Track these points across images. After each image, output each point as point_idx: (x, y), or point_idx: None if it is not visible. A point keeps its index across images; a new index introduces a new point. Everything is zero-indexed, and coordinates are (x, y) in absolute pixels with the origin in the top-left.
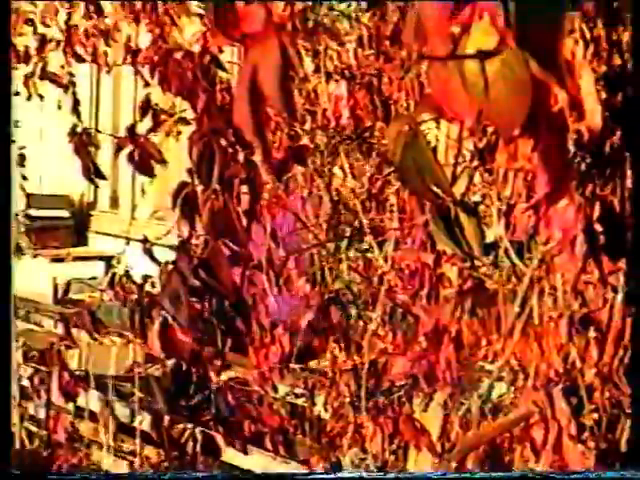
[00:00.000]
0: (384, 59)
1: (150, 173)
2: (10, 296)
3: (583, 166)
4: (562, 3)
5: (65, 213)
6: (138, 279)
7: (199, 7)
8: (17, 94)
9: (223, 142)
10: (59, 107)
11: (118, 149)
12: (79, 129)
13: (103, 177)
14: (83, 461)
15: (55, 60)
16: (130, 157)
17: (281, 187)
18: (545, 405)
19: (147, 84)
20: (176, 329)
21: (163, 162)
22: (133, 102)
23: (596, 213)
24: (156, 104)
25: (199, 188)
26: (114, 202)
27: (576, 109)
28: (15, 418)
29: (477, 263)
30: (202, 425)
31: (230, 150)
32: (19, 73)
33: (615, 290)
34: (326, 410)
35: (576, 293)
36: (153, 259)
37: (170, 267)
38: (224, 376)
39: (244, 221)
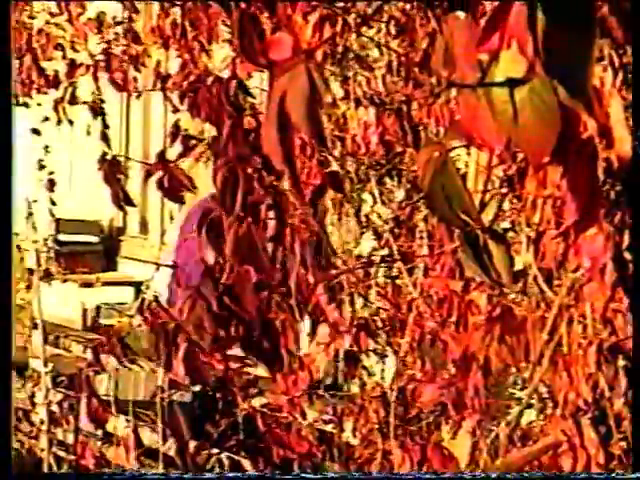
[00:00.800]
0: (413, 85)
1: (180, 200)
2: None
3: (612, 194)
4: (591, 30)
5: (94, 238)
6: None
7: (228, 33)
8: (47, 119)
9: (249, 169)
10: (88, 133)
11: (148, 175)
12: (109, 156)
13: (132, 204)
14: None
15: (85, 85)
16: (159, 184)
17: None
18: (574, 434)
19: (176, 110)
20: (201, 355)
21: (192, 189)
22: (163, 128)
23: (625, 242)
24: (185, 129)
25: (224, 214)
26: (143, 227)
27: (605, 137)
28: (44, 443)
29: (506, 290)
30: (229, 451)
31: (255, 176)
32: (49, 98)
33: None
34: (354, 436)
35: (605, 321)
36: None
37: (195, 293)
38: (255, 402)
39: (269, 247)
